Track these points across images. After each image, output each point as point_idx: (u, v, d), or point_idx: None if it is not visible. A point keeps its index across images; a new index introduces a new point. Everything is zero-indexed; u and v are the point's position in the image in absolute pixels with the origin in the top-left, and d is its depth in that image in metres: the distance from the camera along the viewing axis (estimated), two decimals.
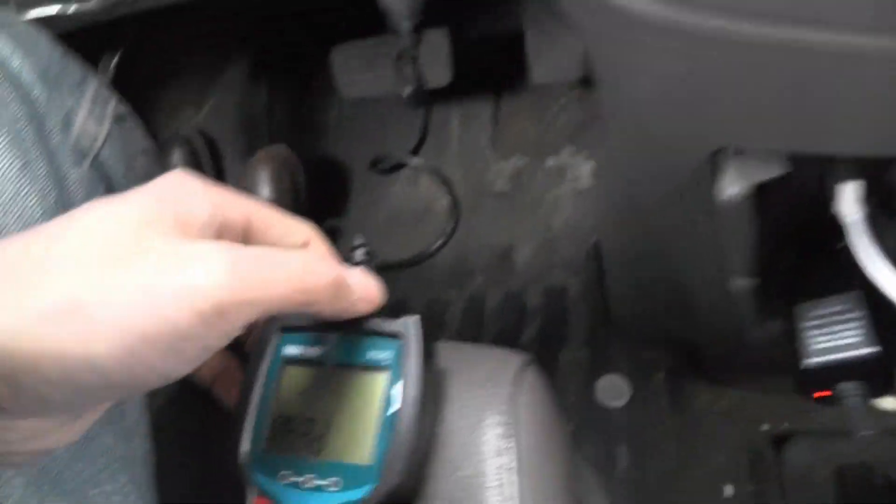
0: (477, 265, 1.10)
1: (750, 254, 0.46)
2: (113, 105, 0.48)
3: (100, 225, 0.29)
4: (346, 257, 0.39)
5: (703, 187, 0.45)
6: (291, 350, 0.38)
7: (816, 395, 0.60)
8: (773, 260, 0.53)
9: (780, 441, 0.92)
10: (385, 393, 0.36)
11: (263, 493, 0.36)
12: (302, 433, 0.36)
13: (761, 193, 0.49)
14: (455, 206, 0.55)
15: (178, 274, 0.28)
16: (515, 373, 0.40)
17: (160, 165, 0.53)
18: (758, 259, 0.47)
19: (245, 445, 0.36)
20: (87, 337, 0.27)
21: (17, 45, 0.43)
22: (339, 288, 0.33)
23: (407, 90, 0.94)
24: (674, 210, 0.52)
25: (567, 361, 1.01)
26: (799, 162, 0.48)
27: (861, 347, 0.55)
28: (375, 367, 0.37)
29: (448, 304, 1.06)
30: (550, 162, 1.16)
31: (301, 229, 0.36)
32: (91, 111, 0.46)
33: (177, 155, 1.08)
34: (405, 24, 0.89)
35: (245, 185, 1.04)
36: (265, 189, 1.03)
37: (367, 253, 0.44)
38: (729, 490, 0.90)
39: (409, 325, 0.37)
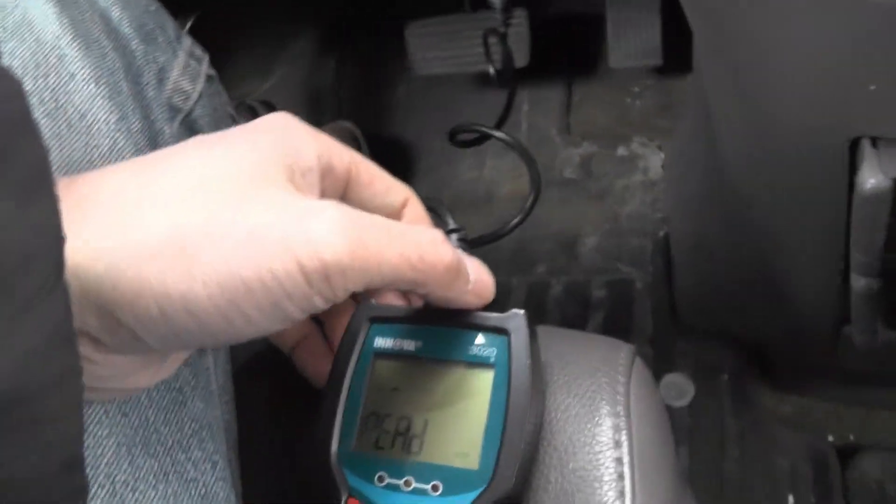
0: (540, 253, 1.08)
1: (880, 252, 0.44)
2: (206, 64, 0.47)
3: (208, 164, 0.28)
4: None
5: (836, 179, 0.43)
6: (382, 342, 0.36)
7: None
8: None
9: (846, 453, 0.88)
10: (491, 393, 0.33)
11: (359, 495, 0.33)
12: (396, 432, 0.34)
13: None
14: (537, 181, 0.53)
15: (290, 226, 0.26)
16: (627, 363, 0.38)
17: None
18: (882, 259, 0.44)
19: (334, 444, 0.34)
20: (189, 277, 0.26)
21: None
22: (457, 274, 0.31)
23: (494, 68, 0.92)
24: (791, 203, 0.50)
25: None
26: None
27: None
28: (479, 363, 0.34)
29: (509, 291, 1.04)
30: (621, 151, 1.14)
31: (401, 189, 0.35)
32: (185, 68, 0.45)
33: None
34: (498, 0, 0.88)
35: None
36: None
37: (462, 239, 0.41)
38: (790, 500, 0.87)
39: (517, 321, 0.34)
